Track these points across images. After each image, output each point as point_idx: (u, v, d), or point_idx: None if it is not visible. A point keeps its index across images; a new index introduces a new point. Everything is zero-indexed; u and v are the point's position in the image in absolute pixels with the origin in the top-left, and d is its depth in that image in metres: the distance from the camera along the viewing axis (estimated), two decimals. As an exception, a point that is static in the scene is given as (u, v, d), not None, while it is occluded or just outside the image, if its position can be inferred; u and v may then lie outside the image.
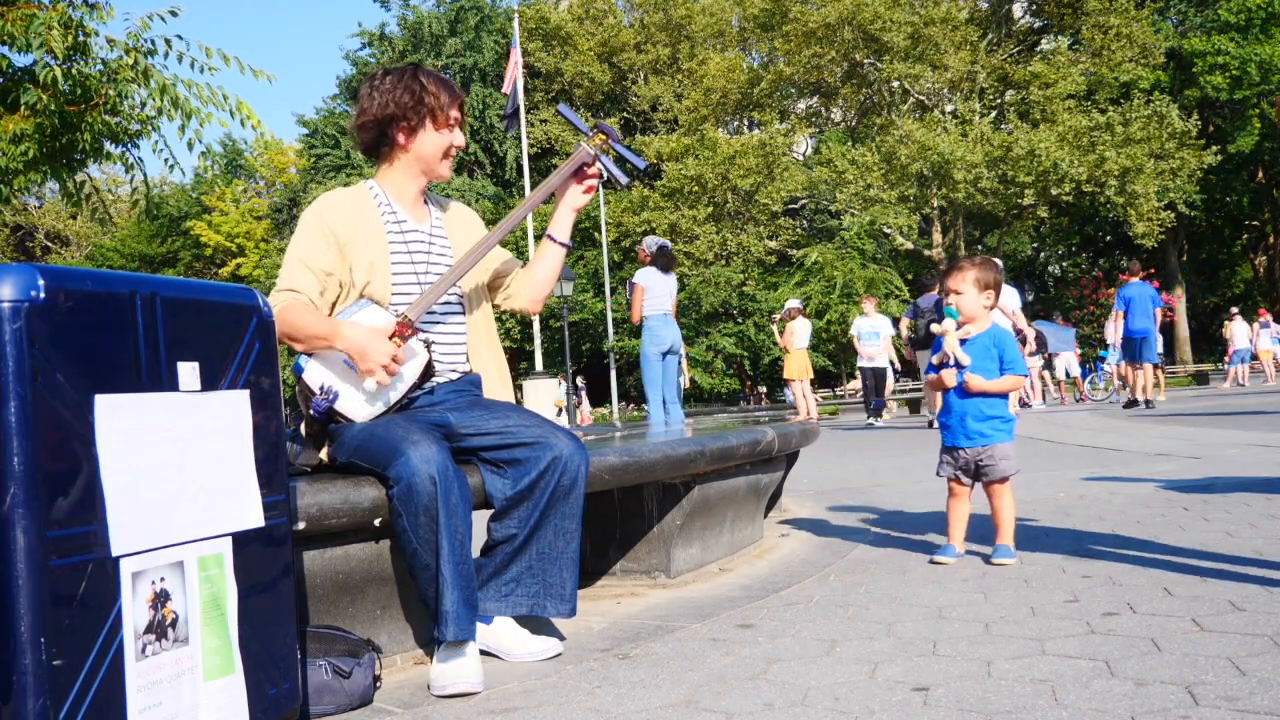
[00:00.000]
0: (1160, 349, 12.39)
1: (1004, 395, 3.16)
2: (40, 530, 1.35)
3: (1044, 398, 15.83)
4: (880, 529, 3.99)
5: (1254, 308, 25.57)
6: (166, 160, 6.62)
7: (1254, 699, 1.69)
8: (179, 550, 1.55)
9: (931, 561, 3.13)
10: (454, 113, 2.60)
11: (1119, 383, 14.99)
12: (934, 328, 3.20)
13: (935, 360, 3.25)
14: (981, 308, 3.18)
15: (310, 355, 2.41)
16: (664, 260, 8.39)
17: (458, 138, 2.64)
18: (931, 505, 4.35)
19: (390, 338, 2.37)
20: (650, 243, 8.58)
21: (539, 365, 25.28)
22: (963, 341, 3.18)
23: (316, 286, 2.43)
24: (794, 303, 14.19)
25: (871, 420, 13.56)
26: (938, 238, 28.96)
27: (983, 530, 3.38)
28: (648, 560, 3.07)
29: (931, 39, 26.65)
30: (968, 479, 3.20)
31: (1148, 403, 12.24)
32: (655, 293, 8.28)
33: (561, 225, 2.75)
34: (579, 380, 20.32)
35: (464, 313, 2.67)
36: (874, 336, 13.32)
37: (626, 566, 3.10)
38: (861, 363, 13.78)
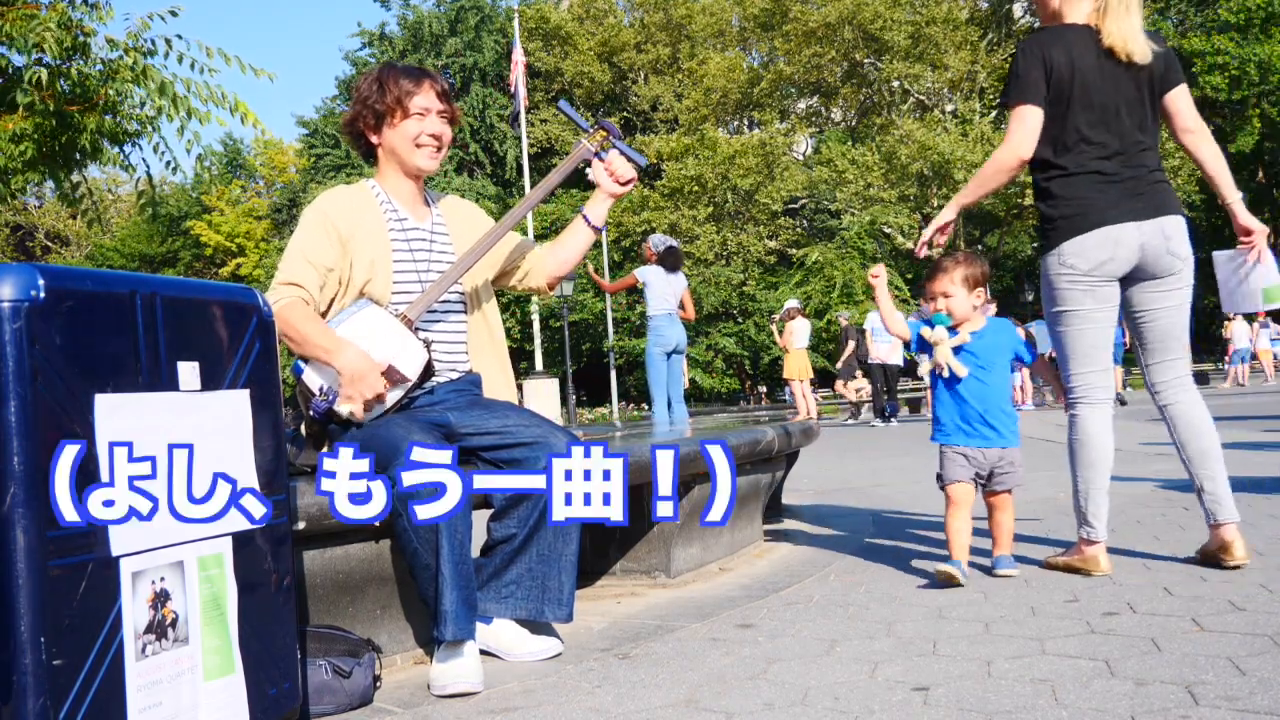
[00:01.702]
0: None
1: (1009, 393, 3.01)
2: (40, 530, 1.35)
3: (1031, 399, 15.84)
4: (880, 529, 3.99)
5: (1254, 308, 25.52)
6: (168, 163, 6.62)
7: (1254, 699, 1.69)
8: (179, 550, 1.55)
9: (934, 573, 2.84)
10: (420, 100, 2.53)
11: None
12: (924, 333, 3.04)
13: (922, 372, 3.06)
14: (972, 307, 2.97)
15: (310, 355, 2.41)
16: (670, 260, 8.36)
17: (430, 125, 2.55)
18: (931, 505, 4.35)
19: (382, 374, 2.36)
20: (657, 241, 8.54)
21: (539, 365, 25.28)
22: (960, 349, 2.94)
23: (317, 282, 2.43)
24: (793, 303, 14.18)
25: (876, 421, 13.52)
26: (938, 238, 28.95)
27: (978, 541, 3.29)
28: (648, 560, 3.08)
29: (932, 39, 26.65)
30: (974, 483, 2.94)
31: (1122, 400, 14.05)
32: (659, 292, 8.24)
33: (596, 209, 2.73)
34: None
35: (465, 311, 2.67)
36: (885, 333, 13.16)
37: (626, 566, 3.10)
38: (872, 360, 13.58)
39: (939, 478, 2.97)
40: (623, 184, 2.67)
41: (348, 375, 2.33)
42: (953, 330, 2.97)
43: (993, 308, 2.53)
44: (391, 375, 2.37)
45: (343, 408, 2.35)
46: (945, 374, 2.94)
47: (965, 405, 2.93)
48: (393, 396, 2.40)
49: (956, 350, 2.95)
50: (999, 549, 2.93)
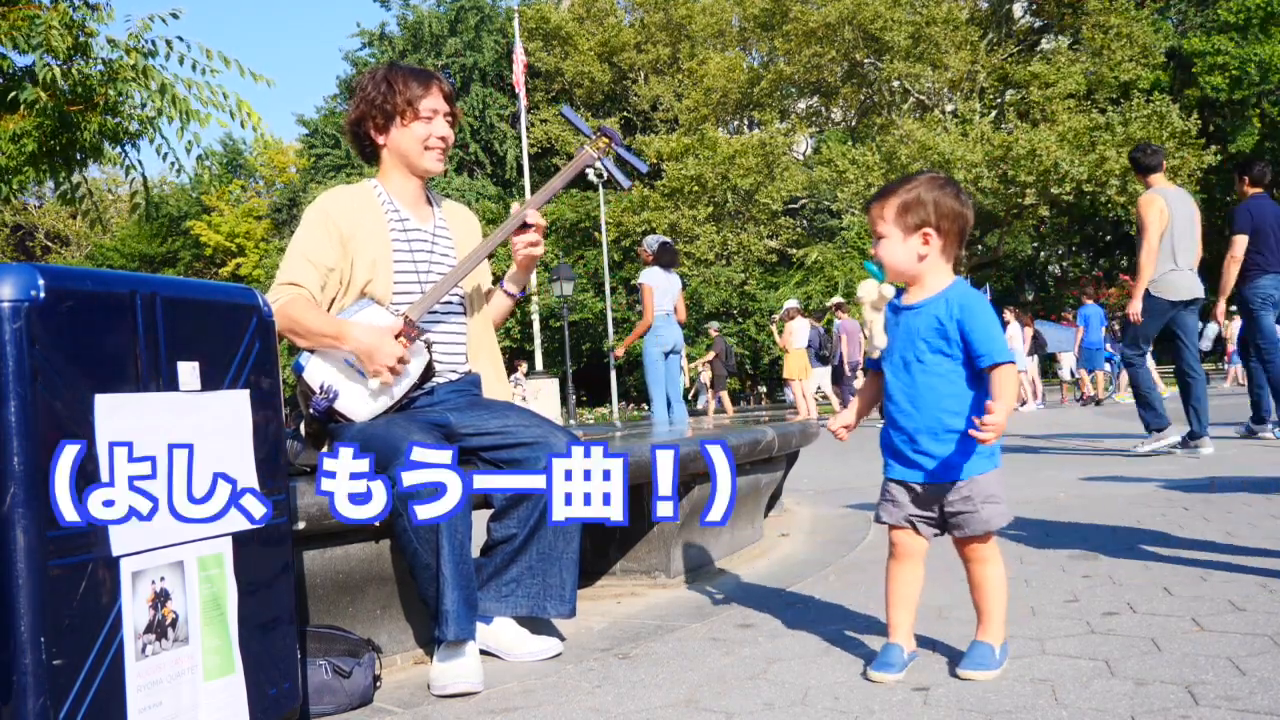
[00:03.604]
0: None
1: (978, 395, 1.95)
2: (40, 530, 1.35)
3: (1042, 398, 15.82)
4: (880, 529, 3.99)
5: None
6: (172, 163, 6.63)
7: (1254, 699, 1.69)
8: (179, 550, 1.55)
9: (865, 677, 1.99)
10: (429, 103, 2.54)
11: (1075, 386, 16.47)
12: (861, 290, 2.58)
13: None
14: (916, 257, 1.98)
15: (311, 353, 2.42)
16: (666, 258, 8.37)
17: (438, 128, 2.57)
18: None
19: (396, 336, 2.37)
20: (651, 242, 8.55)
21: (539, 365, 25.29)
22: (901, 315, 2.03)
23: (318, 281, 2.43)
24: (792, 303, 14.19)
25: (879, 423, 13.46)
26: (938, 237, 28.89)
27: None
28: (648, 560, 3.08)
29: (932, 39, 26.64)
30: (929, 529, 2.03)
31: (1098, 400, 14.51)
32: (660, 293, 8.26)
33: (516, 280, 2.74)
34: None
35: (464, 313, 2.67)
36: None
37: (626, 566, 3.10)
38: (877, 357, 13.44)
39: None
40: (529, 244, 2.61)
41: (362, 351, 2.34)
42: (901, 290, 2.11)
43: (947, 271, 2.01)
44: (409, 332, 2.38)
45: (373, 382, 2.37)
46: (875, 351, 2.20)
47: (894, 413, 2.04)
48: (417, 362, 2.41)
49: (897, 315, 2.05)
50: (979, 630, 2.00)
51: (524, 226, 2.61)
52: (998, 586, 1.99)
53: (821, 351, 13.95)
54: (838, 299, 14.66)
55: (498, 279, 2.78)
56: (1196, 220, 6.04)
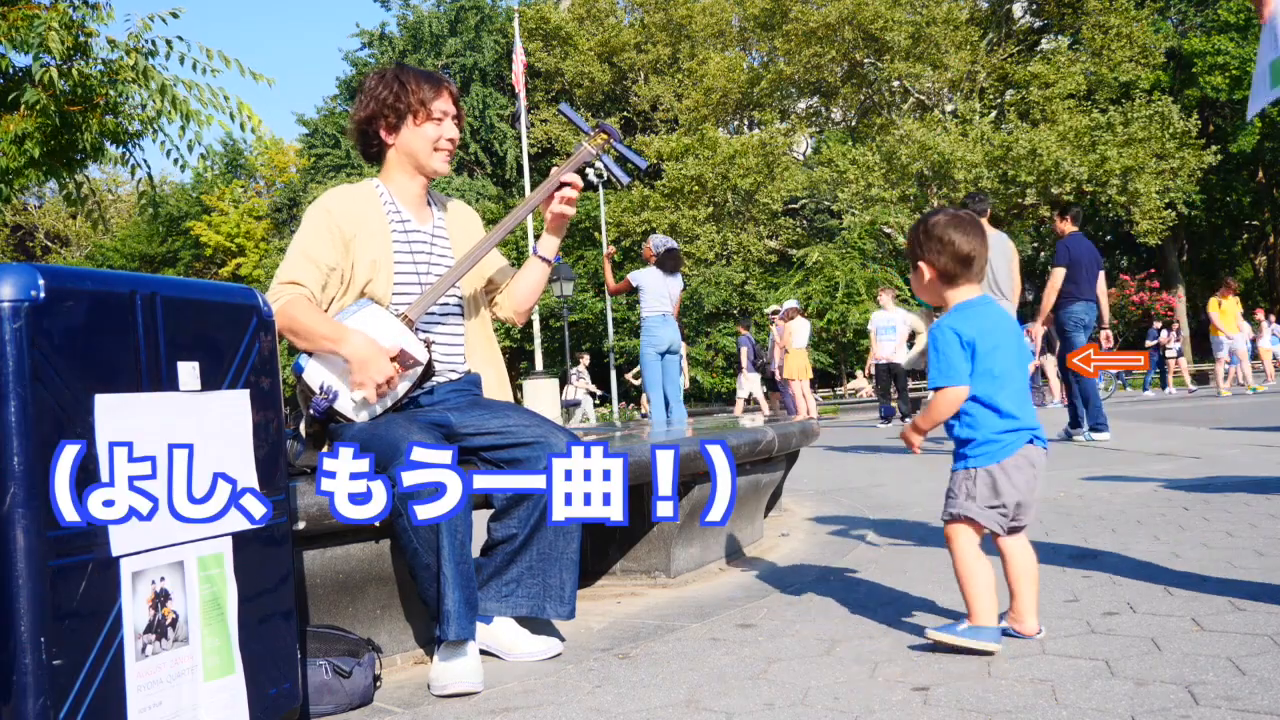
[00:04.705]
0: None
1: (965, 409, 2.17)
2: (40, 530, 1.35)
3: (1049, 397, 15.80)
4: (880, 529, 3.99)
5: (1254, 308, 25.58)
6: (176, 160, 6.63)
7: (1254, 699, 1.69)
8: (179, 550, 1.55)
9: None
10: (439, 105, 2.56)
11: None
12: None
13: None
14: (922, 288, 2.27)
15: (310, 354, 2.41)
16: (670, 263, 8.36)
17: (447, 130, 2.58)
18: (931, 506, 4.35)
19: (392, 359, 2.37)
20: (658, 243, 8.52)
21: (539, 365, 25.28)
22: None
23: (319, 281, 2.43)
24: (792, 302, 14.16)
25: (879, 423, 13.43)
26: (938, 237, 28.82)
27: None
28: (648, 560, 3.08)
29: (932, 39, 26.64)
30: None
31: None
32: (655, 294, 8.23)
33: (546, 242, 2.74)
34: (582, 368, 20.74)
35: (463, 313, 2.67)
36: (890, 331, 12.55)
37: (626, 566, 3.10)
38: (877, 360, 13.18)
39: None
40: (566, 200, 2.63)
41: (356, 361, 2.34)
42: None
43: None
44: (404, 360, 2.38)
45: (356, 394, 2.36)
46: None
47: None
48: (404, 385, 2.40)
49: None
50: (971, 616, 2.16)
51: (560, 186, 2.62)
52: (966, 574, 2.15)
53: (760, 361, 14.11)
54: (776, 306, 14.67)
55: (538, 236, 2.77)
56: (1013, 260, 7.11)
